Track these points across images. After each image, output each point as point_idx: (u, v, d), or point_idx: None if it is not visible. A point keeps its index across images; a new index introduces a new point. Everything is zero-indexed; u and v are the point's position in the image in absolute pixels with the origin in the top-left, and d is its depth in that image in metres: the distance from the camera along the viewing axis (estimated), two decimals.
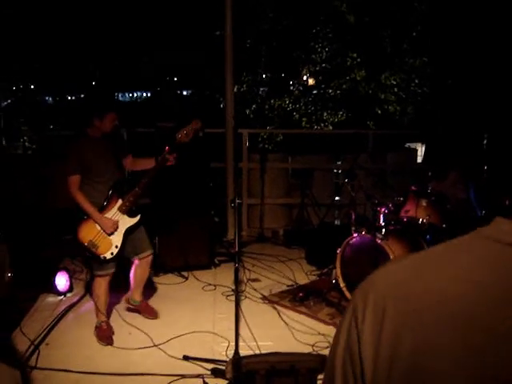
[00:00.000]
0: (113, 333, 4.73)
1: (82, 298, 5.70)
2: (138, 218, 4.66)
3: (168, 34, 20.15)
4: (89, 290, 5.86)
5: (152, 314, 5.12)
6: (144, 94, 32.46)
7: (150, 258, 4.89)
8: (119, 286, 5.14)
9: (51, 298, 5.65)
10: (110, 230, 4.46)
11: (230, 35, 7.78)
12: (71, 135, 8.47)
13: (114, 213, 4.51)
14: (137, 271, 4.90)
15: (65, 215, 7.58)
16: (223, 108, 8.17)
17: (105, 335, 4.64)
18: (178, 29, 19.36)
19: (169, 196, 6.46)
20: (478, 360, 0.84)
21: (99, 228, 4.46)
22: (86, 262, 4.78)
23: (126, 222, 4.59)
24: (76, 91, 27.07)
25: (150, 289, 5.16)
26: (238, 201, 3.94)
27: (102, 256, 4.48)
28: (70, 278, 5.89)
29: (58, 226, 7.19)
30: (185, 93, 29.43)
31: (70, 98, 28.18)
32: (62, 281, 5.75)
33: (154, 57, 23.29)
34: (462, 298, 0.87)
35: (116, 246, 4.53)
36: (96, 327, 4.74)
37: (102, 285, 4.66)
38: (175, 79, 29.51)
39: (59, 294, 5.71)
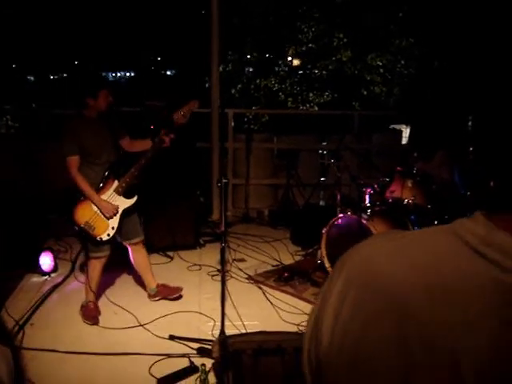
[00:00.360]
0: (99, 313, 4.71)
1: (66, 277, 5.68)
2: (135, 199, 4.62)
3: (151, 12, 19.92)
4: (73, 269, 5.87)
5: (175, 292, 5.06)
6: (127, 74, 32.17)
7: (141, 242, 4.86)
8: (109, 266, 5.10)
9: (36, 278, 5.63)
10: (110, 213, 4.44)
11: (217, 13, 7.70)
12: (56, 113, 8.49)
13: (110, 194, 4.48)
14: (136, 259, 4.89)
15: (50, 195, 7.58)
16: (208, 88, 8.11)
17: (91, 315, 4.63)
18: (161, 6, 19.15)
19: (154, 176, 6.42)
20: (407, 346, 0.86)
21: (95, 209, 4.42)
22: (83, 243, 4.70)
23: (123, 203, 4.55)
24: (59, 70, 26.77)
25: (134, 268, 5.12)
26: (224, 180, 3.92)
27: (98, 237, 4.45)
28: (55, 258, 5.86)
29: (43, 205, 7.15)
30: (169, 73, 29.20)
31: (52, 77, 27.85)
32: (46, 261, 5.73)
33: (137, 36, 23.02)
34: (403, 285, 0.88)
35: (112, 228, 4.49)
36: (82, 306, 4.72)
37: (96, 267, 4.62)
38: (159, 59, 29.25)
39: (44, 274, 5.69)
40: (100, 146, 4.43)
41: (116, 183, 4.50)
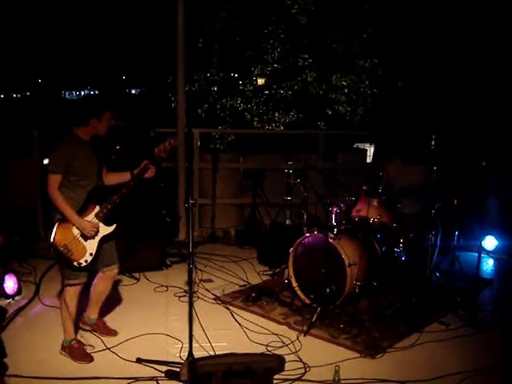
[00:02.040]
0: (85, 348, 4.50)
1: (30, 300, 5.58)
2: (114, 227, 4.48)
3: (117, 32, 19.89)
4: (38, 292, 5.77)
5: (109, 333, 4.82)
6: (91, 93, 32.04)
7: (116, 272, 4.70)
8: None
9: None
10: (89, 231, 4.27)
11: (182, 33, 7.73)
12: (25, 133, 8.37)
13: (90, 219, 4.33)
14: (99, 285, 4.70)
15: (13, 214, 7.46)
16: (174, 107, 8.10)
17: (81, 354, 4.39)
18: (127, 27, 19.13)
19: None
20: None
21: (76, 232, 4.26)
22: (61, 269, 4.51)
23: (102, 230, 4.40)
24: (22, 89, 26.52)
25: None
26: (191, 201, 3.91)
27: (75, 262, 4.26)
28: (19, 280, 5.76)
29: (5, 225, 7.03)
30: (133, 91, 29.16)
31: (15, 95, 27.59)
32: (9, 283, 5.62)
33: (102, 55, 22.96)
34: None
35: (91, 254, 4.33)
36: (65, 347, 4.45)
37: (72, 296, 4.40)
38: (123, 77, 29.20)
39: (7, 296, 5.57)
40: (87, 169, 4.32)
41: (97, 209, 4.36)
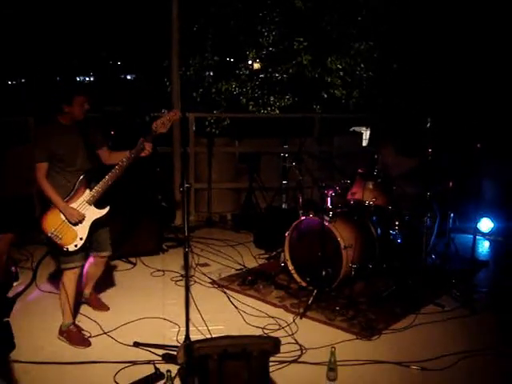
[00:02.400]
0: (83, 333, 4.52)
1: (27, 286, 5.59)
2: (107, 210, 4.44)
3: (111, 16, 19.75)
4: (35, 277, 5.78)
5: (101, 307, 5.02)
6: (87, 79, 31.86)
7: (105, 259, 4.76)
8: None
9: None
10: (75, 220, 4.25)
11: (176, 18, 7.68)
12: (19, 120, 8.35)
13: (80, 203, 4.30)
14: (90, 269, 4.78)
15: (10, 203, 7.45)
16: (170, 92, 8.07)
17: (79, 338, 4.40)
18: (122, 12, 18.99)
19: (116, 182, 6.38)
20: None
21: (63, 218, 4.25)
22: (54, 255, 4.53)
23: (93, 213, 4.37)
24: (17, 76, 26.35)
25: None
26: (186, 185, 3.91)
27: (64, 247, 4.26)
28: (16, 266, 5.76)
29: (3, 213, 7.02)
30: (129, 77, 29.01)
31: (10, 82, 27.42)
32: None
33: (97, 40, 22.81)
34: None
35: (81, 238, 4.31)
36: (63, 332, 4.46)
37: (71, 279, 4.40)
38: (119, 63, 29.04)
39: None
40: (73, 154, 4.29)
41: (87, 192, 4.34)
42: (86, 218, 4.35)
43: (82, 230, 4.33)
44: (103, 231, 4.59)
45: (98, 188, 4.35)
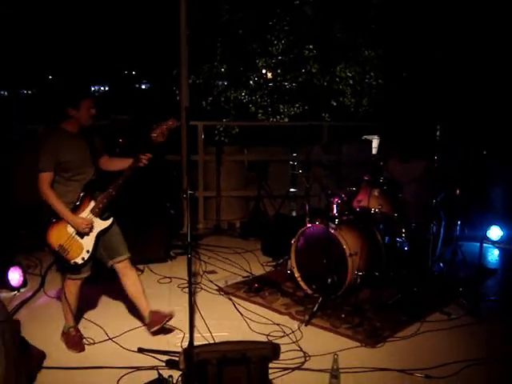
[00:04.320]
0: (82, 337, 4.51)
1: (35, 293, 5.63)
2: (111, 221, 4.39)
3: (125, 25, 19.90)
4: (43, 284, 5.82)
5: (163, 318, 4.53)
6: (102, 88, 32.04)
7: (127, 262, 4.54)
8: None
9: (4, 294, 5.57)
10: (85, 229, 4.18)
11: (185, 25, 7.74)
12: (28, 128, 8.43)
13: (86, 215, 4.24)
14: (124, 283, 4.57)
15: (19, 209, 7.52)
16: (178, 100, 8.13)
17: (74, 342, 4.41)
18: (134, 21, 19.14)
19: (124, 188, 6.41)
20: None
21: (71, 231, 4.19)
22: (58, 264, 4.49)
23: (98, 225, 4.32)
24: (31, 85, 26.54)
25: (104, 282, 5.09)
26: (189, 192, 3.91)
27: (72, 261, 4.21)
28: (24, 273, 5.82)
29: (11, 219, 7.09)
30: (143, 86, 29.14)
31: (25, 91, 27.62)
32: (15, 276, 5.68)
33: (112, 50, 22.97)
34: None
35: (87, 251, 4.26)
36: (64, 333, 4.51)
37: (72, 289, 4.39)
38: (133, 73, 29.19)
39: (12, 289, 5.63)
40: (80, 163, 4.22)
41: (92, 203, 4.28)
42: (92, 230, 4.29)
43: (89, 243, 4.28)
44: (113, 236, 4.47)
45: (102, 199, 4.28)
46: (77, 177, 4.24)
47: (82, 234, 4.24)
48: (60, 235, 4.19)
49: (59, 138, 4.19)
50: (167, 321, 4.54)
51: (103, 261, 4.50)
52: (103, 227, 4.36)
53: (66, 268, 4.32)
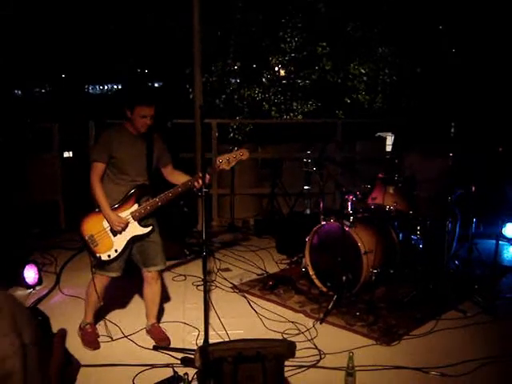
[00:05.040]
0: (97, 335, 4.54)
1: (51, 290, 5.67)
2: (149, 229, 4.34)
3: (138, 24, 19.96)
4: (58, 282, 5.86)
5: (162, 341, 4.50)
6: (115, 87, 32.15)
7: (157, 274, 4.55)
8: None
9: (20, 292, 5.61)
10: (117, 227, 4.18)
11: (198, 25, 7.75)
12: (42, 127, 8.49)
13: (125, 216, 4.24)
14: (146, 291, 4.61)
15: (34, 208, 7.60)
16: (192, 98, 8.15)
17: (89, 340, 4.44)
18: (147, 20, 19.19)
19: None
20: None
21: (105, 225, 4.21)
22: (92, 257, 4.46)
23: (135, 229, 4.29)
24: (45, 84, 26.70)
25: (119, 280, 5.11)
26: (204, 189, 3.92)
27: (98, 255, 4.22)
28: (39, 270, 5.86)
29: (27, 219, 7.15)
30: (156, 85, 29.22)
31: (39, 90, 27.79)
32: (30, 274, 5.72)
33: (124, 48, 23.04)
34: None
35: (116, 250, 4.24)
36: (80, 328, 4.55)
37: (97, 285, 4.37)
38: (146, 71, 29.27)
39: (28, 287, 5.67)
40: (130, 164, 4.23)
41: (135, 206, 4.26)
42: (126, 232, 4.27)
43: (120, 243, 4.27)
44: (153, 245, 4.43)
45: (146, 205, 4.27)
46: (124, 176, 4.25)
47: (115, 232, 4.25)
48: (94, 226, 4.22)
49: (117, 133, 4.25)
50: (161, 346, 4.48)
51: (138, 265, 4.51)
52: (139, 233, 4.33)
53: (95, 262, 4.31)
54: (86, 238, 4.22)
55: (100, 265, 4.31)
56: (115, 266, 4.33)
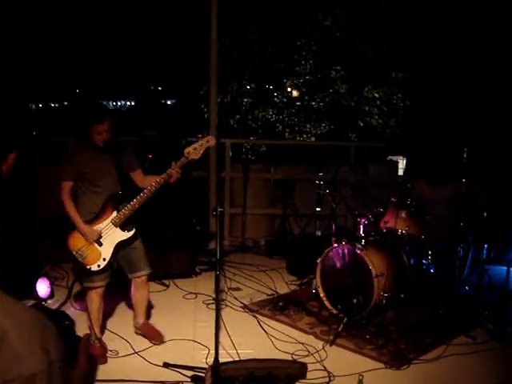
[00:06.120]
0: (105, 350, 4.58)
1: (62, 304, 5.70)
2: (132, 233, 4.50)
3: (153, 42, 20.16)
4: (70, 296, 5.89)
5: (157, 337, 4.80)
6: (128, 103, 32.39)
7: (145, 278, 4.74)
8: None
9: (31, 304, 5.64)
10: (90, 239, 4.34)
11: (215, 45, 7.85)
12: (54, 141, 8.56)
13: (106, 224, 4.39)
14: (134, 293, 4.79)
15: (45, 221, 7.63)
16: (207, 118, 8.22)
17: (98, 354, 4.47)
18: (163, 38, 19.38)
19: (149, 203, 6.49)
20: None
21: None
22: (76, 273, 4.64)
23: (118, 235, 4.45)
24: (60, 99, 26.94)
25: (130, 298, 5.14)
26: (219, 209, 3.98)
27: (88, 266, 4.36)
28: (51, 284, 5.90)
29: (38, 232, 7.19)
30: (169, 102, 29.40)
31: (53, 105, 28.03)
32: (42, 287, 5.76)
33: (139, 65, 23.26)
34: None
35: (104, 259, 4.39)
36: (89, 343, 4.56)
37: (93, 299, 4.53)
38: (159, 88, 29.48)
39: (40, 300, 5.70)
40: (99, 174, 4.38)
41: (114, 214, 4.41)
42: (111, 239, 4.43)
43: (106, 251, 4.42)
44: (134, 252, 4.61)
45: (124, 211, 4.41)
46: (96, 188, 4.41)
47: (100, 242, 4.39)
48: (78, 240, 4.38)
49: (82, 149, 4.44)
50: (154, 342, 4.76)
51: (125, 272, 4.68)
52: (123, 238, 4.48)
53: (84, 275, 4.47)
54: (74, 252, 4.37)
55: (89, 278, 4.46)
56: (105, 275, 4.50)
